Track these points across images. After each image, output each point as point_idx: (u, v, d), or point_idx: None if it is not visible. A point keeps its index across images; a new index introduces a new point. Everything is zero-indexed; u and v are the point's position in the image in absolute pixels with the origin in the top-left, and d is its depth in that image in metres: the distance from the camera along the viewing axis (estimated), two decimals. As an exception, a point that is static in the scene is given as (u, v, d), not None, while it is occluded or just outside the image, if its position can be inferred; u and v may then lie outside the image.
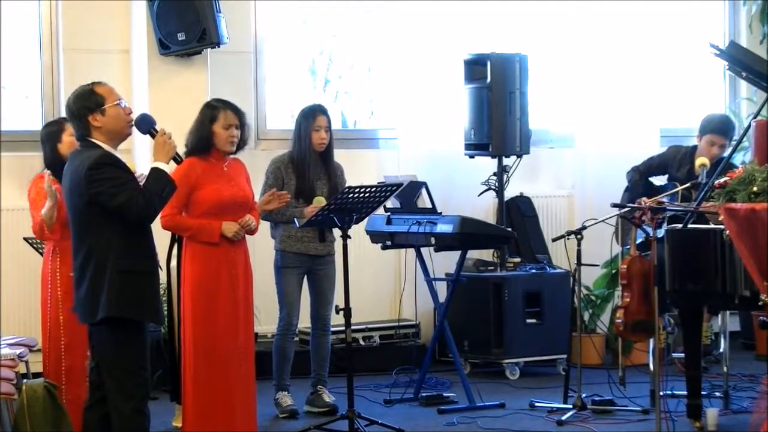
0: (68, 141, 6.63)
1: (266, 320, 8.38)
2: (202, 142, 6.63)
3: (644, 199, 7.60)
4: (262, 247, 7.94)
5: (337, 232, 7.28)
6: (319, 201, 7.33)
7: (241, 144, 6.79)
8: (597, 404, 7.51)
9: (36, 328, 7.27)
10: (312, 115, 7.64)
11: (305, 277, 7.63)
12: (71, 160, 5.47)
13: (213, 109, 6.71)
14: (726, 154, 7.69)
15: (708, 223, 6.68)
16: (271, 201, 7.01)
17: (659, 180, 8.21)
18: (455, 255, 8.02)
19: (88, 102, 5.40)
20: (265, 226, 7.62)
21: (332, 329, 7.76)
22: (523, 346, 8.76)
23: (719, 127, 7.96)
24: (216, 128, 6.64)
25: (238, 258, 6.65)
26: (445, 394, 8.01)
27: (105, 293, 5.32)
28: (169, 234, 6.69)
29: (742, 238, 5.81)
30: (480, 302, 8.77)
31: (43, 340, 6.88)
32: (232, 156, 6.79)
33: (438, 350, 8.64)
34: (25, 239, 7.50)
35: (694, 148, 8.04)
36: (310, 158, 7.59)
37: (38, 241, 7.16)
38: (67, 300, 6.63)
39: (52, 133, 6.87)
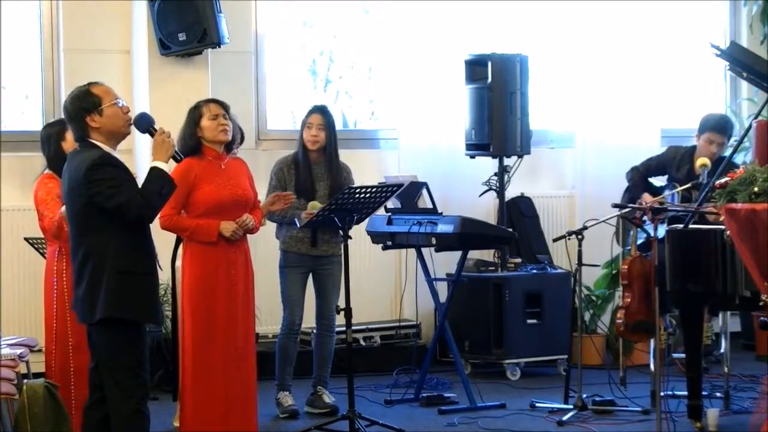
0: (71, 139, 6.61)
1: (267, 320, 8.38)
2: (191, 140, 6.63)
3: (646, 195, 7.60)
4: (264, 248, 7.94)
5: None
6: (314, 206, 7.31)
7: (239, 136, 6.79)
8: (597, 405, 7.51)
9: (36, 329, 7.27)
10: (307, 114, 7.67)
11: (311, 276, 7.63)
12: (70, 161, 5.48)
13: (196, 108, 6.75)
14: (726, 153, 7.69)
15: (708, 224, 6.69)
16: (276, 202, 7.02)
17: (659, 180, 8.21)
18: (456, 255, 8.02)
19: (85, 103, 5.39)
20: (270, 227, 7.62)
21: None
22: (523, 346, 8.76)
23: (717, 125, 7.96)
24: (204, 122, 6.67)
25: (238, 258, 6.65)
26: (445, 395, 8.00)
27: (103, 294, 5.32)
28: (174, 234, 6.70)
29: (742, 239, 5.80)
30: (481, 302, 8.77)
31: (48, 341, 6.83)
32: (232, 155, 6.80)
33: (438, 350, 8.64)
34: (26, 239, 7.50)
35: (693, 148, 8.04)
36: (303, 157, 7.59)
37: (39, 241, 7.15)
38: None
39: (55, 132, 6.85)
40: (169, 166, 5.49)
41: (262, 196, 7.20)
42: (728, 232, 6.14)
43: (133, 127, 5.57)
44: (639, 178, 8.14)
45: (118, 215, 5.29)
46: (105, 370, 5.42)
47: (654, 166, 8.21)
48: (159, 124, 5.59)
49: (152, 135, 5.54)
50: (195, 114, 6.70)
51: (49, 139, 6.85)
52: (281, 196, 7.02)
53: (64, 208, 6.57)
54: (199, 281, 6.53)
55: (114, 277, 5.32)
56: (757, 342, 9.25)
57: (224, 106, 6.74)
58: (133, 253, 5.39)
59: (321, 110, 7.69)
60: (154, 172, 5.40)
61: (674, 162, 8.07)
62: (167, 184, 5.44)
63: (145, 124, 5.59)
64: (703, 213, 6.75)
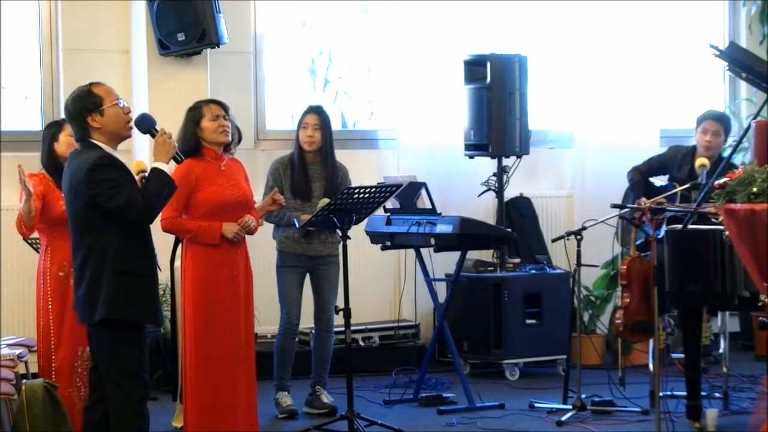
0: (65, 141, 6.63)
1: (266, 320, 8.37)
2: (192, 141, 6.63)
3: (644, 199, 7.61)
4: (262, 248, 7.94)
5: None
6: (324, 203, 7.30)
7: (236, 137, 6.81)
8: (596, 405, 7.52)
9: (35, 329, 7.26)
10: (303, 114, 7.67)
11: (307, 276, 7.63)
12: (70, 161, 5.47)
13: (196, 109, 6.74)
14: (726, 153, 7.70)
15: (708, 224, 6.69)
16: (273, 203, 7.02)
17: (660, 180, 8.22)
18: (455, 255, 8.02)
19: (86, 103, 5.39)
20: (267, 227, 7.62)
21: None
22: (522, 346, 8.76)
23: (711, 114, 8.08)
24: (204, 123, 6.66)
25: (239, 259, 6.66)
26: (444, 395, 8.00)
27: (103, 294, 5.32)
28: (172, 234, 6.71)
29: (741, 239, 5.81)
30: (480, 303, 8.77)
31: (37, 340, 6.88)
32: (230, 156, 6.80)
33: (437, 351, 8.63)
34: (25, 239, 7.50)
35: (694, 148, 8.06)
36: (299, 158, 7.60)
37: (36, 240, 7.16)
38: (55, 299, 6.65)
39: (50, 134, 6.87)
40: (169, 167, 5.50)
41: (258, 196, 7.21)
42: (727, 233, 6.14)
43: (133, 129, 5.57)
44: (640, 178, 8.15)
45: (118, 216, 5.29)
46: (104, 370, 5.42)
47: (655, 165, 8.22)
48: (158, 125, 5.60)
49: (153, 136, 5.54)
50: (195, 114, 6.70)
51: (44, 140, 6.87)
52: (276, 198, 7.03)
53: (21, 206, 6.61)
54: (201, 282, 6.53)
55: (114, 278, 5.32)
56: (756, 342, 9.25)
57: (224, 107, 6.74)
58: (132, 253, 5.39)
59: (316, 110, 7.69)
60: (155, 173, 5.41)
61: (675, 162, 8.09)
62: (168, 185, 5.44)
63: (147, 125, 5.60)
64: (703, 213, 6.75)
